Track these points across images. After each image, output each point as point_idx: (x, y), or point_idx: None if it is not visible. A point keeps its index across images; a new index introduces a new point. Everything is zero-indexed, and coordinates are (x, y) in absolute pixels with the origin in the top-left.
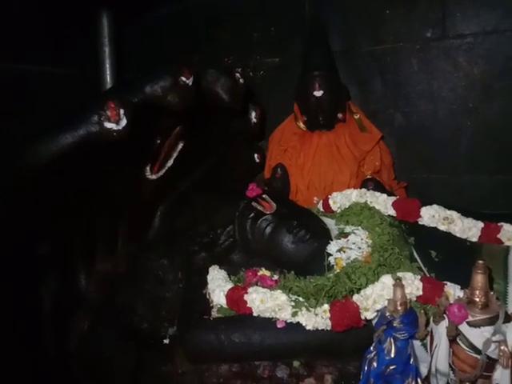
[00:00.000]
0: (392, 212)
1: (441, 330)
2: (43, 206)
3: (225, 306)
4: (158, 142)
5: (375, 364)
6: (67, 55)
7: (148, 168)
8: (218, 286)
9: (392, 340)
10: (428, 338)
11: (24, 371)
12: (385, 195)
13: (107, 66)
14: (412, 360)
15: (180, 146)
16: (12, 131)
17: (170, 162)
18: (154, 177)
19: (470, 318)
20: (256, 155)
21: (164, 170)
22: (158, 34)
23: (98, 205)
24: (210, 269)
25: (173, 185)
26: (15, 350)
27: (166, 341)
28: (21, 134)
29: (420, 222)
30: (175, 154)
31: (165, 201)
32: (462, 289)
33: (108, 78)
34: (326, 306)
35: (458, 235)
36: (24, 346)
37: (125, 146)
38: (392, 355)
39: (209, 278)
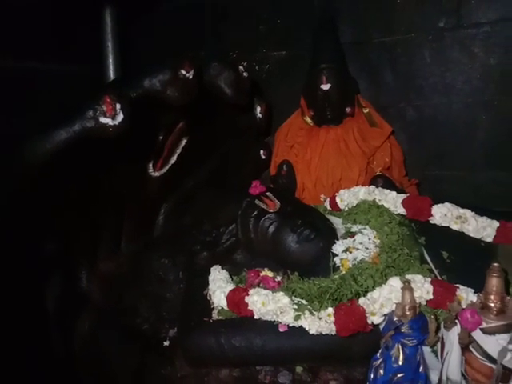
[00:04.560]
0: (402, 210)
1: (452, 336)
2: (45, 204)
3: (226, 307)
4: (161, 138)
5: (382, 372)
6: (71, 52)
7: (151, 165)
8: (219, 287)
9: (400, 346)
10: (439, 344)
11: (29, 372)
12: (394, 193)
13: (110, 61)
14: (421, 368)
15: (183, 142)
16: (18, 130)
17: (174, 159)
18: (157, 174)
19: (484, 325)
20: (262, 151)
21: (167, 167)
22: (162, 30)
23: (101, 203)
24: (212, 269)
25: (177, 182)
26: (21, 351)
27: (167, 343)
28: (26, 132)
29: (431, 221)
30: (179, 151)
31: (169, 199)
32: (475, 293)
33: (112, 75)
34: (331, 310)
35: (471, 235)
36: (30, 347)
37: (126, 142)
38: (400, 362)
39: (210, 278)
